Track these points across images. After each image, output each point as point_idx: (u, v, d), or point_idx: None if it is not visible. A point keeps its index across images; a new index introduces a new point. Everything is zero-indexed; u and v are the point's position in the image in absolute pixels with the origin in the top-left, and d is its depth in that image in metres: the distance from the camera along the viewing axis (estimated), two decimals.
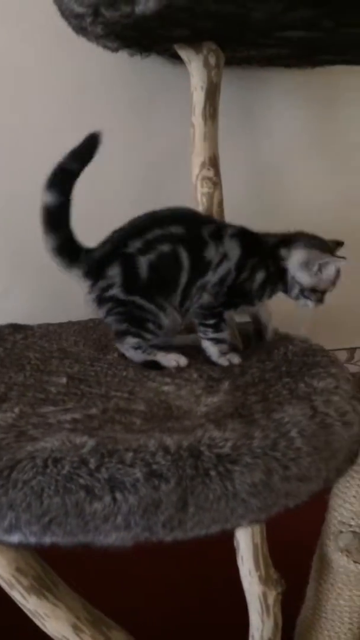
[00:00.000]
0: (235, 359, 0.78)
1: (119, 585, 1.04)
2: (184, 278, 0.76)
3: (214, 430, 0.56)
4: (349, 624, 0.91)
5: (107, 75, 0.99)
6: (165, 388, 0.69)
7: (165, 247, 0.75)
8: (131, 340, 0.78)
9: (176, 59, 0.95)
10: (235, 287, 0.77)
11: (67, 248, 0.75)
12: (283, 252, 0.79)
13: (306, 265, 0.77)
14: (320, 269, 0.77)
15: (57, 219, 0.74)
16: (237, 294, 0.78)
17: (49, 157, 1.00)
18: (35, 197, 0.99)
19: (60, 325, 0.97)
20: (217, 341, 0.79)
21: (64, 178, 0.73)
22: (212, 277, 0.77)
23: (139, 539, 0.50)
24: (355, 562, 0.82)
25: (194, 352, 0.82)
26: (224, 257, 0.76)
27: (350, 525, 0.86)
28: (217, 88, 0.88)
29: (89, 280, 0.76)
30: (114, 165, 1.04)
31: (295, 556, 0.90)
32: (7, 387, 0.69)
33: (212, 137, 0.88)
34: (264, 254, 0.79)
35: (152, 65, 1.01)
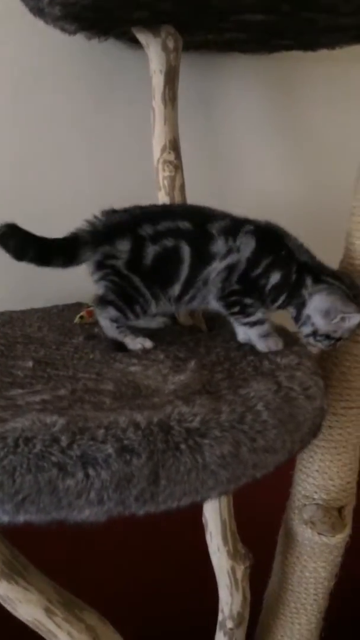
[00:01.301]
0: (279, 344, 0.75)
1: (87, 565, 1.05)
2: (184, 272, 0.76)
3: (182, 406, 0.57)
4: (314, 595, 0.94)
5: (64, 59, 0.98)
6: (132, 368, 0.69)
7: (169, 242, 0.75)
8: (112, 312, 0.77)
9: (134, 42, 0.95)
10: (248, 279, 0.75)
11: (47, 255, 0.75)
12: (308, 281, 0.76)
13: (327, 313, 0.74)
14: (342, 320, 0.74)
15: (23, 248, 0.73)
16: (250, 287, 0.76)
17: (6, 145, 0.99)
18: None
19: (22, 312, 0.96)
20: (251, 324, 0.76)
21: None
22: (218, 265, 0.75)
23: (112, 513, 0.51)
24: (319, 533, 0.85)
25: (161, 334, 0.83)
26: (235, 250, 0.75)
27: (314, 499, 0.89)
28: (176, 72, 0.89)
29: (96, 241, 0.75)
30: (74, 152, 1.03)
31: (262, 532, 0.93)
32: None
33: (172, 121, 0.88)
34: (283, 259, 0.76)
35: (110, 49, 1.00)
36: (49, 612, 0.74)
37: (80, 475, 0.50)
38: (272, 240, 0.77)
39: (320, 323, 0.75)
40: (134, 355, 0.75)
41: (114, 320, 0.77)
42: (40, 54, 0.98)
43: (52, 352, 0.76)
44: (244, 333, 0.78)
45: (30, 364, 0.71)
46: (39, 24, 0.84)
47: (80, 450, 0.51)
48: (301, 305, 0.76)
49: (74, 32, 0.87)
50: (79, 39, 0.91)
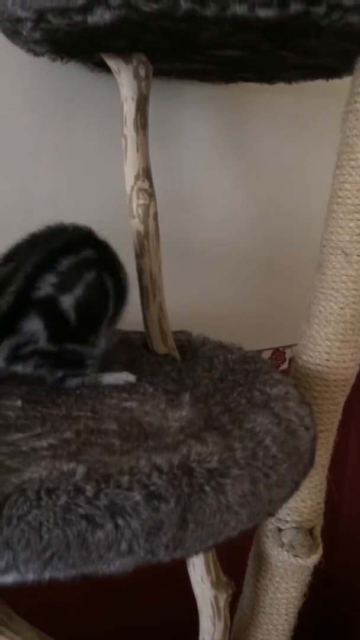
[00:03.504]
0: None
1: (66, 604, 1.01)
2: (111, 307, 0.72)
3: (197, 446, 0.57)
4: (285, 615, 0.96)
5: (26, 80, 0.95)
6: (128, 404, 0.68)
7: (89, 275, 0.67)
8: (72, 381, 0.72)
9: (97, 66, 0.94)
10: None
11: None
12: None
13: None
14: None
15: None
16: None
17: None
18: None
19: None
20: None
21: None
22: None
23: (141, 562, 0.50)
24: (296, 556, 0.87)
25: (137, 364, 0.82)
26: None
27: (287, 521, 0.91)
28: (147, 99, 0.88)
29: None
30: (37, 178, 1.00)
31: (228, 555, 0.93)
32: None
33: (144, 148, 0.88)
34: None
35: (69, 71, 0.98)
36: None
37: (109, 526, 0.48)
38: None
39: None
40: (123, 389, 0.73)
41: (80, 383, 0.73)
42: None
43: (34, 389, 0.73)
44: None
45: (19, 403, 0.67)
46: None
47: (107, 499, 0.49)
48: None
49: (42, 54, 0.85)
50: (41, 60, 0.89)
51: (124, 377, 0.76)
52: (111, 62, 0.86)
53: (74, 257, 0.67)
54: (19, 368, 0.68)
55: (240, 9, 0.58)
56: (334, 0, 0.59)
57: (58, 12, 0.64)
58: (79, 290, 0.66)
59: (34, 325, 0.65)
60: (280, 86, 1.04)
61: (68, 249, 0.67)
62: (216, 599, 0.83)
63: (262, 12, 0.59)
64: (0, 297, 0.63)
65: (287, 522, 0.91)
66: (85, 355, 0.71)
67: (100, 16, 0.62)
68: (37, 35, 0.72)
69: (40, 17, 0.66)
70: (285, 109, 1.19)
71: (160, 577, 0.97)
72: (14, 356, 0.66)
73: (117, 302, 0.74)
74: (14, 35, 0.77)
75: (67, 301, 0.65)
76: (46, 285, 0.64)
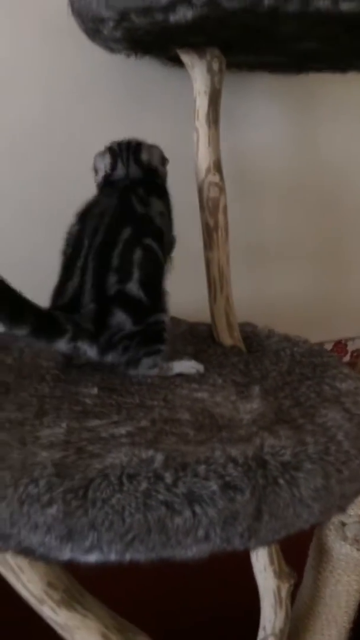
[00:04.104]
0: None
1: (131, 585, 1.05)
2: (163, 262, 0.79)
3: (270, 438, 0.58)
4: (346, 607, 0.96)
5: (102, 75, 0.97)
6: (199, 395, 0.70)
7: (136, 255, 0.74)
8: (146, 362, 0.75)
9: (170, 60, 0.95)
10: None
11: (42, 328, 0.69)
12: None
13: None
14: None
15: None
16: None
17: (43, 159, 0.98)
18: (21, 195, 0.97)
19: None
20: None
21: None
22: None
23: (217, 549, 0.51)
24: (358, 550, 0.88)
25: (205, 355, 0.84)
26: None
27: (351, 516, 0.91)
28: (219, 93, 0.89)
29: (86, 341, 0.71)
30: None
31: (289, 545, 0.94)
32: (38, 400, 0.67)
33: (215, 142, 0.89)
34: None
35: (143, 67, 1.00)
36: (105, 638, 0.74)
37: (187, 513, 0.50)
38: None
39: None
40: (192, 380, 0.75)
41: (152, 367, 0.76)
42: (77, 69, 0.96)
43: (108, 377, 0.76)
44: None
45: (95, 390, 0.70)
46: (77, 37, 0.83)
47: (185, 487, 0.51)
48: None
49: (119, 51, 0.87)
50: (117, 56, 0.91)
51: (193, 365, 0.78)
52: (185, 57, 0.87)
53: (120, 249, 0.74)
54: (109, 358, 0.73)
55: (323, 4, 0.58)
56: None
57: (141, 12, 0.66)
58: (135, 275, 0.73)
59: (118, 318, 0.72)
60: (351, 75, 1.02)
61: (113, 244, 0.74)
62: (278, 588, 0.84)
63: (345, 6, 0.59)
64: (82, 307, 0.72)
65: (350, 516, 0.91)
66: (161, 327, 0.76)
67: (182, 14, 0.63)
68: (118, 34, 0.74)
69: (123, 16, 0.68)
70: (353, 97, 1.17)
71: (224, 563, 0.99)
72: (107, 347, 0.72)
73: (166, 252, 0.79)
74: (94, 34, 0.79)
75: (133, 288, 0.73)
76: (112, 285, 0.73)
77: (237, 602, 1.01)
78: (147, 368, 0.75)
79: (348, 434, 0.61)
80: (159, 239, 0.77)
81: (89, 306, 0.72)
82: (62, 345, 0.70)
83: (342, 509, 0.58)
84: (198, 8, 0.61)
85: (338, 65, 0.97)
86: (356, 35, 0.73)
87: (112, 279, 0.73)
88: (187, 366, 0.78)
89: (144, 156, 0.82)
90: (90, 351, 0.72)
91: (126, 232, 0.75)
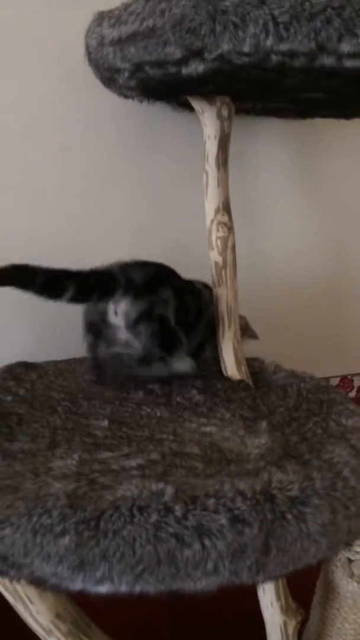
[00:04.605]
0: None
1: (135, 620, 1.04)
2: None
3: (277, 473, 0.59)
4: None
5: (115, 120, 1.02)
6: (207, 429, 0.71)
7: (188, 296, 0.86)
8: (158, 364, 0.83)
9: (180, 106, 1.00)
10: None
11: (89, 288, 0.76)
12: None
13: None
14: None
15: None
16: None
17: (54, 199, 1.02)
18: (36, 233, 1.00)
19: (67, 362, 0.97)
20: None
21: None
22: None
23: (226, 583, 0.52)
24: None
25: (213, 389, 0.85)
26: None
27: (358, 552, 0.91)
28: (228, 137, 0.93)
29: (132, 291, 0.78)
30: (120, 208, 1.06)
31: (295, 580, 0.94)
32: (50, 432, 0.69)
33: (224, 184, 0.92)
34: None
35: (154, 111, 1.04)
36: None
37: (197, 546, 0.51)
38: None
39: None
40: (201, 414, 0.77)
41: (160, 366, 0.83)
42: (91, 113, 1.01)
43: (118, 409, 0.78)
44: None
45: (105, 423, 0.72)
46: (92, 83, 0.87)
47: (195, 520, 0.52)
48: None
49: (132, 98, 0.91)
50: (130, 101, 0.95)
51: (189, 362, 0.85)
52: (196, 104, 0.91)
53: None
54: (141, 328, 0.79)
55: (328, 61, 0.62)
56: None
57: (155, 65, 0.70)
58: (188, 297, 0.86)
59: (167, 293, 0.82)
60: (356, 120, 1.07)
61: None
62: (285, 624, 0.84)
63: (350, 63, 0.62)
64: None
65: (357, 553, 0.91)
66: (180, 348, 0.83)
67: (194, 68, 0.67)
68: (132, 83, 0.78)
69: (137, 68, 0.72)
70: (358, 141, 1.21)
71: (232, 598, 0.99)
72: (148, 313, 0.79)
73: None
74: (110, 82, 0.83)
75: (189, 298, 0.86)
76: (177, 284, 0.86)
77: (244, 637, 1.00)
78: (157, 370, 0.83)
79: (354, 470, 0.62)
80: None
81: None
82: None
83: (349, 545, 0.60)
84: (209, 62, 0.65)
85: (342, 112, 1.01)
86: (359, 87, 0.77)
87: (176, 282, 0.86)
88: (184, 365, 0.85)
89: None
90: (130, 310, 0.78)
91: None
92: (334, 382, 1.38)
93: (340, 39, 0.60)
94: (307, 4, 0.59)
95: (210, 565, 0.51)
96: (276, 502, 0.55)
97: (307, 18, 0.59)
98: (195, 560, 0.51)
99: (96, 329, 0.82)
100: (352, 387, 1.41)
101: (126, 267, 0.80)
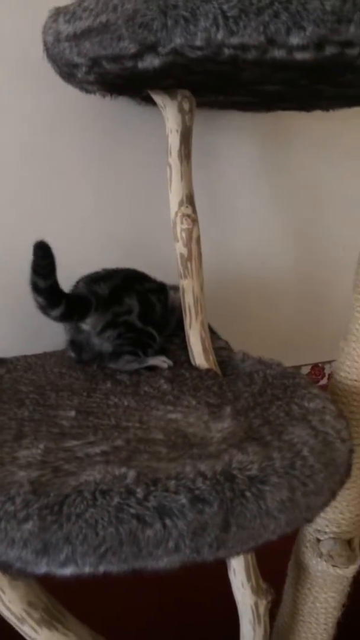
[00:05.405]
0: None
1: (109, 604, 1.06)
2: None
3: (238, 455, 0.61)
4: (324, 624, 0.98)
5: (78, 116, 1.03)
6: (173, 416, 0.73)
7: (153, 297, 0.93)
8: (128, 358, 0.88)
9: (144, 100, 1.01)
10: None
11: (73, 310, 0.84)
12: None
13: None
14: None
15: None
16: None
17: (16, 197, 1.02)
18: (3, 235, 1.01)
19: (37, 357, 0.98)
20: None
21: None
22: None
23: (187, 560, 0.54)
24: (334, 566, 0.90)
25: (182, 379, 0.87)
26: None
27: (326, 532, 0.94)
28: (190, 131, 0.94)
29: (100, 307, 0.85)
30: (84, 205, 1.07)
31: (268, 563, 0.96)
32: (17, 424, 0.70)
33: (187, 176, 0.93)
34: None
35: (118, 106, 1.05)
36: None
37: (158, 525, 0.53)
38: None
39: None
40: (167, 402, 0.78)
41: (131, 361, 0.88)
42: (53, 109, 1.01)
43: (85, 400, 0.79)
44: None
45: (72, 413, 0.73)
46: (53, 79, 0.88)
47: (156, 501, 0.54)
48: None
49: (93, 92, 0.92)
50: (92, 96, 0.96)
51: (164, 359, 0.91)
52: (157, 98, 0.92)
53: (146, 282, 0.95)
54: (106, 335, 0.86)
55: (279, 53, 0.64)
56: None
57: (111, 59, 0.71)
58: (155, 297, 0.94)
59: (131, 300, 0.87)
60: (318, 112, 1.09)
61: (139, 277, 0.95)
62: (256, 604, 0.86)
63: (300, 55, 0.64)
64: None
65: (325, 533, 0.94)
66: (154, 345, 0.90)
67: (149, 62, 0.68)
68: (91, 77, 0.79)
69: (94, 63, 0.73)
70: (322, 133, 1.23)
71: (204, 581, 1.01)
72: (112, 322, 0.86)
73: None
74: (69, 77, 0.84)
75: (154, 299, 0.92)
76: (140, 287, 0.92)
77: (217, 619, 1.02)
78: (125, 363, 0.88)
79: (313, 450, 0.65)
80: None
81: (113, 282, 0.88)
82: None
83: (309, 521, 0.61)
84: (164, 56, 0.66)
85: (302, 105, 1.03)
86: (314, 79, 0.79)
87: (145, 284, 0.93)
88: (159, 360, 0.90)
89: None
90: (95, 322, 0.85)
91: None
92: (306, 370, 1.41)
93: (288, 32, 0.61)
94: None
95: (171, 544, 0.53)
96: (236, 481, 0.57)
97: (255, 12, 0.60)
98: (156, 539, 0.53)
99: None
100: (323, 375, 1.44)
101: (91, 283, 0.87)
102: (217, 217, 1.20)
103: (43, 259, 0.77)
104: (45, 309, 0.82)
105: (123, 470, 0.57)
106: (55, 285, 0.80)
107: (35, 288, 0.80)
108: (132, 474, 0.56)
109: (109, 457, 0.61)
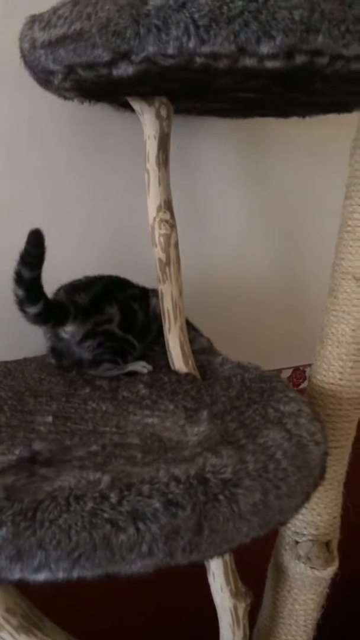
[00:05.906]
0: None
1: (87, 610, 1.06)
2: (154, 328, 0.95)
3: (212, 458, 0.62)
4: (304, 626, 0.99)
5: (56, 123, 1.03)
6: (149, 420, 0.74)
7: (135, 304, 0.94)
8: (108, 365, 0.88)
9: (122, 106, 1.02)
10: None
11: (50, 313, 0.83)
12: None
13: None
14: None
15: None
16: None
17: None
18: None
19: (17, 362, 0.98)
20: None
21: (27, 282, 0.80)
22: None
23: (161, 564, 0.55)
24: (312, 568, 0.91)
25: (160, 383, 0.88)
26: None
27: (304, 534, 0.95)
28: (168, 137, 0.95)
29: (79, 316, 0.85)
30: (65, 210, 1.08)
31: (247, 566, 0.97)
32: None
33: (165, 182, 0.94)
34: None
35: (96, 112, 1.06)
36: None
37: (131, 529, 0.53)
38: None
39: None
40: (145, 407, 0.79)
41: (111, 369, 0.88)
42: (32, 115, 1.02)
43: (64, 405, 0.79)
44: None
45: (50, 419, 0.73)
46: (31, 86, 0.88)
47: (129, 506, 0.54)
48: None
49: (71, 99, 0.92)
50: (70, 102, 0.96)
51: (144, 364, 0.93)
52: (135, 104, 0.93)
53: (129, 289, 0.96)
54: (86, 343, 0.86)
55: (250, 62, 0.65)
56: (336, 51, 0.64)
57: (86, 66, 0.71)
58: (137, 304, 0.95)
59: (112, 309, 0.88)
60: (295, 118, 1.10)
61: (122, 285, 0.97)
62: (235, 608, 0.87)
63: (270, 64, 0.65)
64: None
65: (304, 535, 0.95)
66: (133, 353, 0.91)
67: (124, 70, 0.69)
68: (67, 84, 0.79)
69: (70, 70, 0.74)
70: (300, 139, 1.25)
71: (182, 585, 1.01)
72: (93, 331, 0.86)
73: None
74: (46, 84, 0.84)
75: (136, 307, 0.93)
76: (123, 295, 0.94)
77: (196, 622, 1.02)
78: (104, 370, 0.89)
79: (286, 453, 0.65)
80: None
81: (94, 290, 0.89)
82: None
83: (282, 523, 0.62)
84: (137, 64, 0.67)
85: (278, 111, 1.05)
86: (286, 87, 0.80)
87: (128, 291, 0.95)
88: (138, 366, 0.91)
89: None
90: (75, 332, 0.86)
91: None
92: (287, 373, 1.42)
93: (258, 41, 0.62)
94: (225, 7, 0.61)
95: (144, 548, 0.53)
96: (209, 485, 0.58)
97: (225, 21, 0.61)
98: (130, 543, 0.53)
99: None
100: (304, 378, 1.45)
101: (72, 292, 0.88)
102: (197, 222, 1.20)
103: (35, 247, 0.77)
104: (23, 304, 0.81)
105: (98, 475, 0.57)
106: (38, 279, 0.80)
107: (19, 279, 0.79)
108: (106, 479, 0.56)
109: (84, 463, 0.61)
